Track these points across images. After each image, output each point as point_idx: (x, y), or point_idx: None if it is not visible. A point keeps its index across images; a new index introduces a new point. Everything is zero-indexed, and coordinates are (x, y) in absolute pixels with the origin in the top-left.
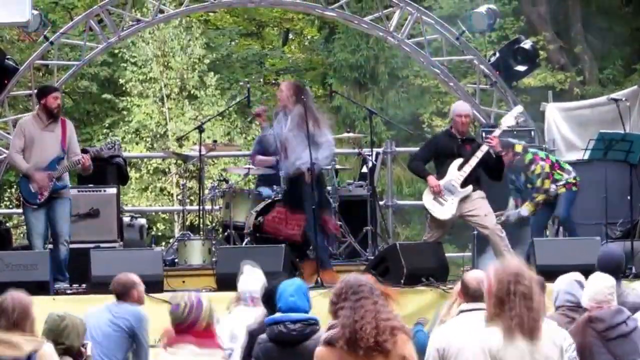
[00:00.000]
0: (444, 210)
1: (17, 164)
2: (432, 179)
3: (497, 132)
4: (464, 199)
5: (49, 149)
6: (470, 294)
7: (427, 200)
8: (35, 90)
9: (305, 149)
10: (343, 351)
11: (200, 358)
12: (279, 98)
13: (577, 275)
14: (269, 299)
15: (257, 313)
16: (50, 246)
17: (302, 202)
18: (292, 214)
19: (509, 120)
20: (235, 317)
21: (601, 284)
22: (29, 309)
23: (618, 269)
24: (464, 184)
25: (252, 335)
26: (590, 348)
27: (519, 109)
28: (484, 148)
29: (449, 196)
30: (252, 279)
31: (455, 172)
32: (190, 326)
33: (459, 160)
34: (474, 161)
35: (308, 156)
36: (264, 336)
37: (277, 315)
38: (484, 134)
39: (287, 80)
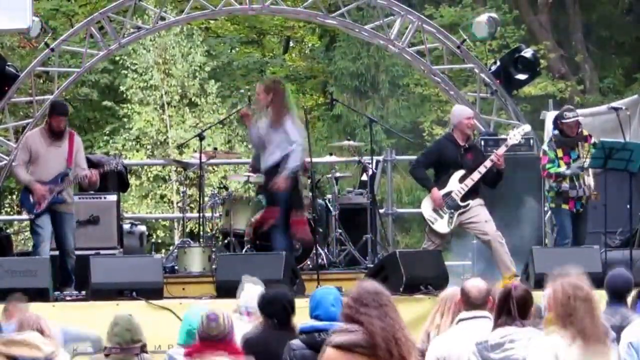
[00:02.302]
0: (443, 223)
1: (19, 176)
2: (435, 192)
3: (502, 149)
4: (463, 212)
5: (54, 165)
6: (471, 302)
7: (426, 210)
8: (36, 97)
9: (277, 148)
10: (360, 357)
11: None
12: (258, 100)
13: None
14: (268, 305)
15: (252, 324)
16: (55, 252)
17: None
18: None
19: (515, 138)
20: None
21: None
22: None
23: (625, 294)
24: (463, 197)
25: (248, 342)
26: None
27: (527, 128)
28: (488, 164)
29: (448, 209)
30: (252, 293)
31: (457, 185)
32: (223, 339)
33: (461, 172)
34: (476, 176)
35: (279, 155)
36: (299, 343)
37: (319, 323)
38: (482, 143)
39: (262, 82)
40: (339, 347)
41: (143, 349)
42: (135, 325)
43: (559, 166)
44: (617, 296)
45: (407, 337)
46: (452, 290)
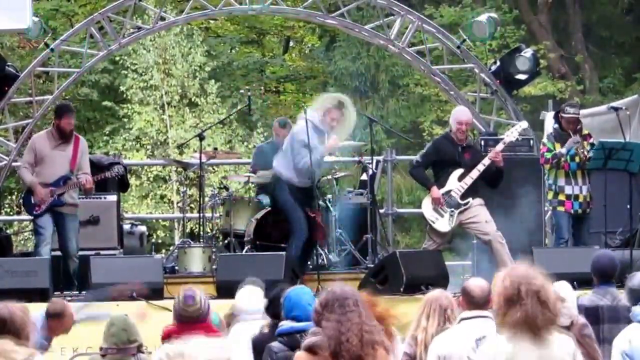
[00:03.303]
0: (443, 222)
1: (23, 177)
2: (435, 191)
3: (500, 146)
4: (463, 210)
5: (58, 168)
6: (475, 302)
7: (427, 209)
8: (36, 98)
9: None
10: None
11: (213, 349)
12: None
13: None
14: (271, 306)
15: (257, 325)
16: (56, 253)
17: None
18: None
19: (512, 136)
20: (236, 334)
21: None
22: (27, 318)
23: (613, 274)
24: (463, 195)
25: (255, 343)
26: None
27: (524, 125)
28: (486, 162)
29: (449, 207)
30: (251, 297)
31: (456, 183)
32: (201, 320)
33: (460, 171)
34: (475, 174)
35: None
36: (280, 345)
37: (299, 324)
38: (483, 142)
39: (336, 105)
40: (306, 349)
41: (139, 349)
42: (131, 326)
43: (555, 150)
44: (604, 277)
45: (368, 340)
46: (436, 293)
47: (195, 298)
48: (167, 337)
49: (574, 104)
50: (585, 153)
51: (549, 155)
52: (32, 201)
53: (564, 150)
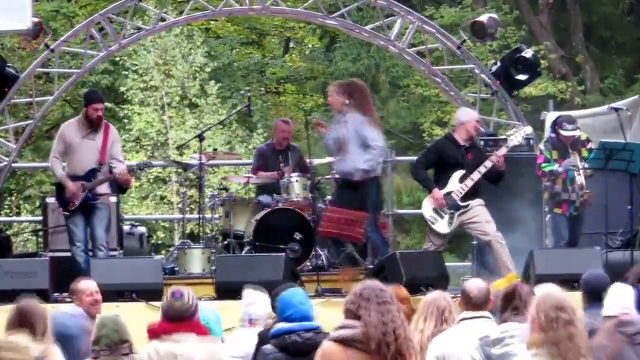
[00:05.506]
0: (443, 224)
1: (54, 170)
2: (437, 193)
3: (503, 150)
4: (464, 212)
5: (87, 159)
6: (472, 303)
7: (427, 210)
8: (37, 99)
9: (357, 154)
10: (357, 352)
11: (207, 351)
12: (331, 103)
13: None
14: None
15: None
16: (57, 254)
17: (364, 204)
18: (354, 214)
19: (517, 140)
20: (235, 339)
21: (624, 293)
22: (46, 314)
23: (604, 292)
24: (464, 197)
25: (261, 337)
26: (621, 352)
27: (529, 130)
28: (489, 165)
29: (449, 209)
30: (254, 301)
31: (457, 185)
32: (190, 317)
33: (461, 172)
34: (476, 176)
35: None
36: (270, 347)
37: (288, 325)
38: (483, 143)
39: (337, 83)
40: (337, 341)
41: (131, 348)
42: (122, 326)
43: (553, 166)
44: (596, 297)
45: (407, 336)
46: (435, 295)
47: (184, 295)
48: (155, 334)
49: (572, 120)
50: (581, 173)
51: (546, 170)
52: (64, 197)
53: (560, 170)
